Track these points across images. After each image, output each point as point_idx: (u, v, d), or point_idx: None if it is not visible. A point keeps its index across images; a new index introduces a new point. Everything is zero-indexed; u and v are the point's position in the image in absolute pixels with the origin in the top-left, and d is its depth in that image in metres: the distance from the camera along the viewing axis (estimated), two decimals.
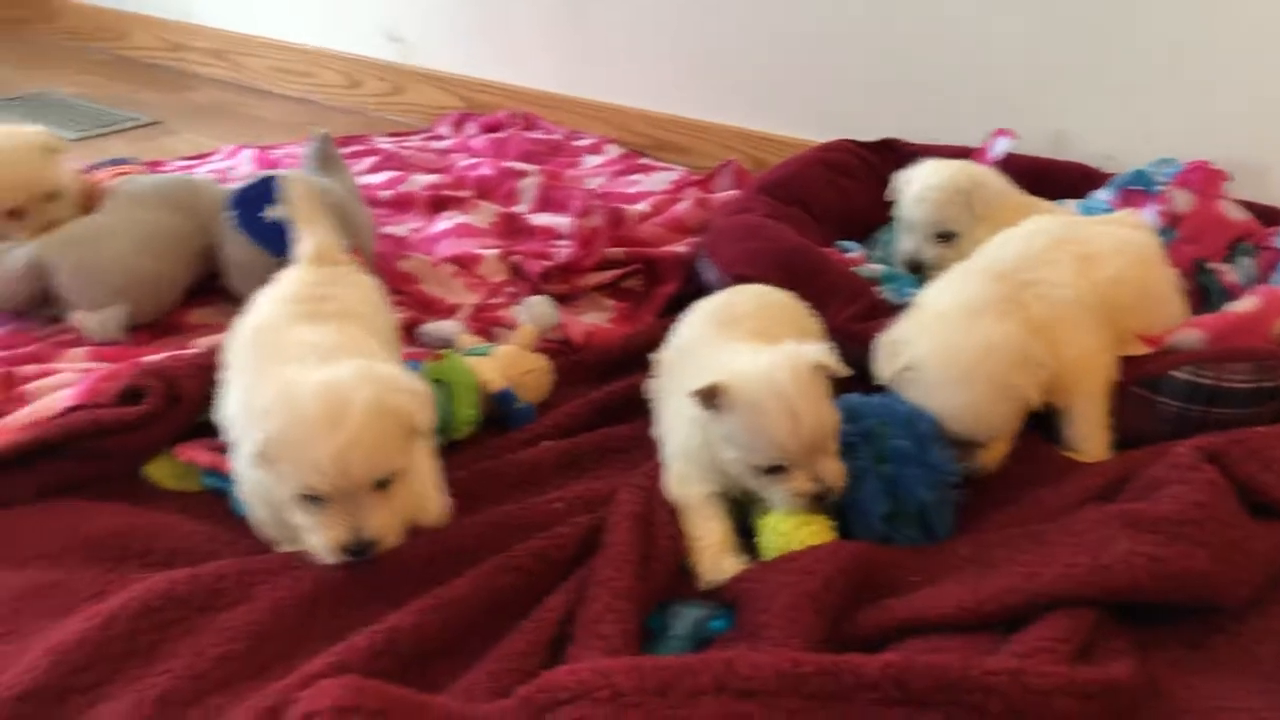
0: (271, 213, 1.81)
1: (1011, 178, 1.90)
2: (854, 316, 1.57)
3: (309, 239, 1.49)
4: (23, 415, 1.49)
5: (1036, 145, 2.17)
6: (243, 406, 1.16)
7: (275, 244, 1.81)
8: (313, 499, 1.10)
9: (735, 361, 1.23)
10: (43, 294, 1.79)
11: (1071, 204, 1.93)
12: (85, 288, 1.75)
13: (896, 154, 2.20)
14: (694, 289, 1.90)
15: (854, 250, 1.86)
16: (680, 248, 2.00)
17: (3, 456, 1.34)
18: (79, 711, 1.06)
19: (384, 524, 1.11)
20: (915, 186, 1.82)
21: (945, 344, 1.30)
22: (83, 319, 1.75)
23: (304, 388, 1.09)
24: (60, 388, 1.55)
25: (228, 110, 3.42)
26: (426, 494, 1.25)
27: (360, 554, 1.11)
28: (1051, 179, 2.05)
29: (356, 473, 1.08)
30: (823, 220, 1.95)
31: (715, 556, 1.23)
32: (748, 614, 1.13)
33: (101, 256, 1.76)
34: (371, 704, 0.91)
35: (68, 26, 4.34)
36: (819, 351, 1.23)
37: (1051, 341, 1.37)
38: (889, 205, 1.91)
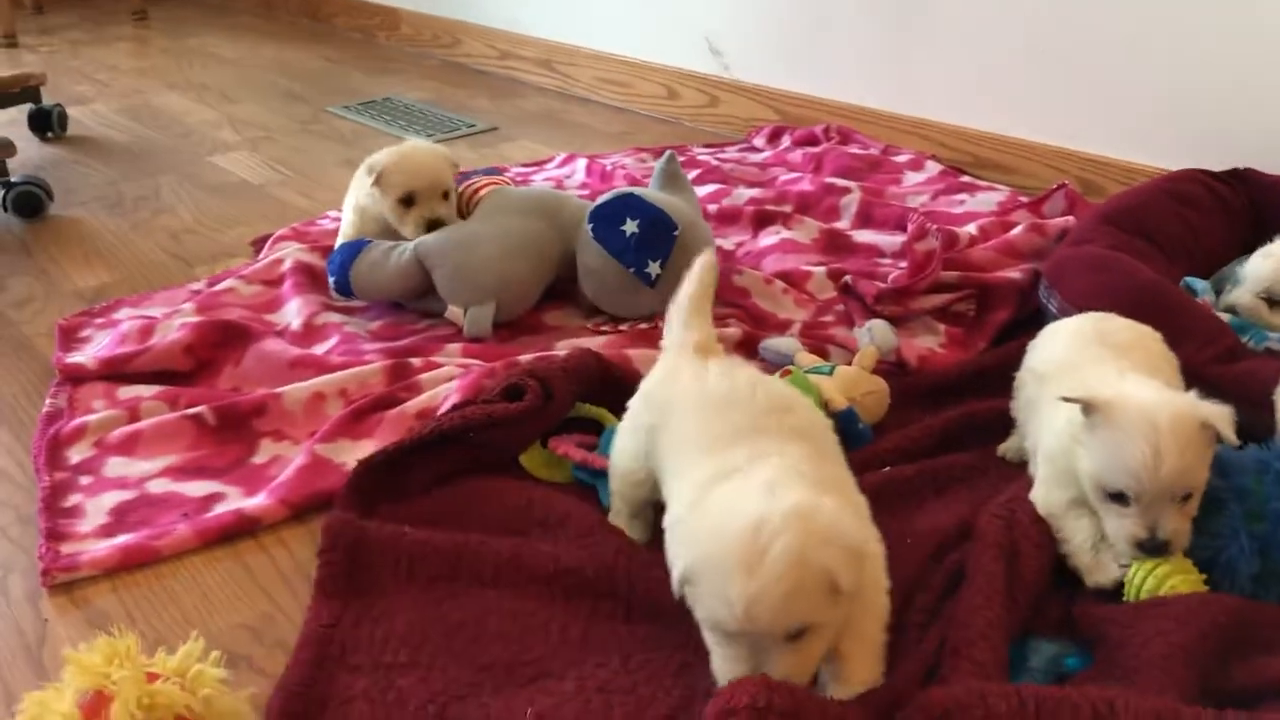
0: (625, 227, 1.95)
1: None
2: (1213, 359, 1.53)
3: (702, 327, 1.39)
4: (418, 403, 1.68)
5: None
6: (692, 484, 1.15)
7: (626, 256, 1.95)
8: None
9: (1131, 389, 1.24)
10: (422, 288, 2.00)
11: None
12: (460, 286, 1.94)
13: (1249, 186, 2.10)
14: (1026, 316, 1.90)
15: (1201, 290, 1.80)
16: (1014, 274, 1.98)
17: (410, 444, 1.50)
18: (529, 681, 1.19)
19: (788, 671, 1.03)
20: (1271, 244, 1.79)
21: None
22: (457, 314, 1.94)
23: (734, 522, 1.03)
24: (446, 380, 1.73)
25: (555, 118, 3.62)
26: (864, 661, 1.13)
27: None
28: None
29: (763, 622, 1.01)
30: (1170, 255, 1.89)
31: (1095, 555, 1.25)
32: (1114, 657, 1.13)
33: (475, 259, 1.94)
34: (782, 704, 0.97)
35: (406, 34, 4.72)
36: (1217, 412, 1.21)
37: None
38: (1239, 242, 1.84)
